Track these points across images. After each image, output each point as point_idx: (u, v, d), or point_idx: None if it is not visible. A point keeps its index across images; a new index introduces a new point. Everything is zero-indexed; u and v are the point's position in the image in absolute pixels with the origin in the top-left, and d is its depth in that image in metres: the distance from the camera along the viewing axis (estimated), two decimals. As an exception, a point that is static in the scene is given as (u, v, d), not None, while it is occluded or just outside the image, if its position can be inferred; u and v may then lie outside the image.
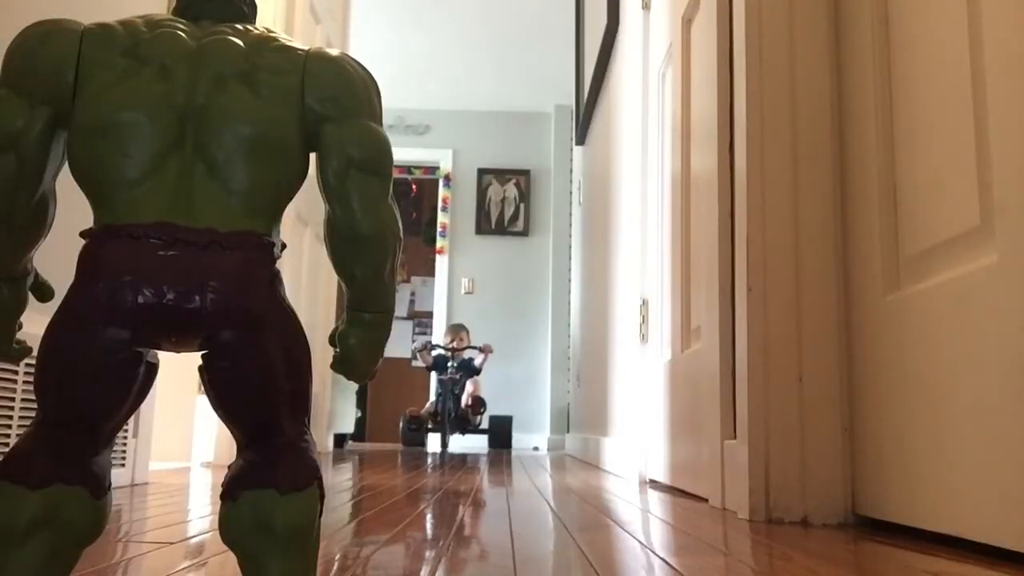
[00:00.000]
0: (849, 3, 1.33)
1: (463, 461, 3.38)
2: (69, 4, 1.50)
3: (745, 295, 1.34)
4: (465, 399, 5.50)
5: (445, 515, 1.33)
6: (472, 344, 5.68)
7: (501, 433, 5.47)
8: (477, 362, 5.62)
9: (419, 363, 5.82)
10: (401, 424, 5.43)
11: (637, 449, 2.30)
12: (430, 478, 2.26)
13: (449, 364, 5.49)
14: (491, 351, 5.66)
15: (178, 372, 2.33)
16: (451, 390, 5.34)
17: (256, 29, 0.48)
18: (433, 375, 5.59)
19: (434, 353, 5.59)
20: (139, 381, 0.43)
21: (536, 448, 5.65)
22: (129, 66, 0.44)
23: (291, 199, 0.46)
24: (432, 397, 5.58)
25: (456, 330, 5.75)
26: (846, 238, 1.31)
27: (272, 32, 0.48)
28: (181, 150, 0.44)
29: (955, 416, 0.98)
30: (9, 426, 1.33)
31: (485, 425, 5.53)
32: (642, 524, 1.25)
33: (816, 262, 1.32)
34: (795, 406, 1.28)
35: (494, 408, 5.72)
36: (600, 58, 3.35)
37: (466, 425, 5.43)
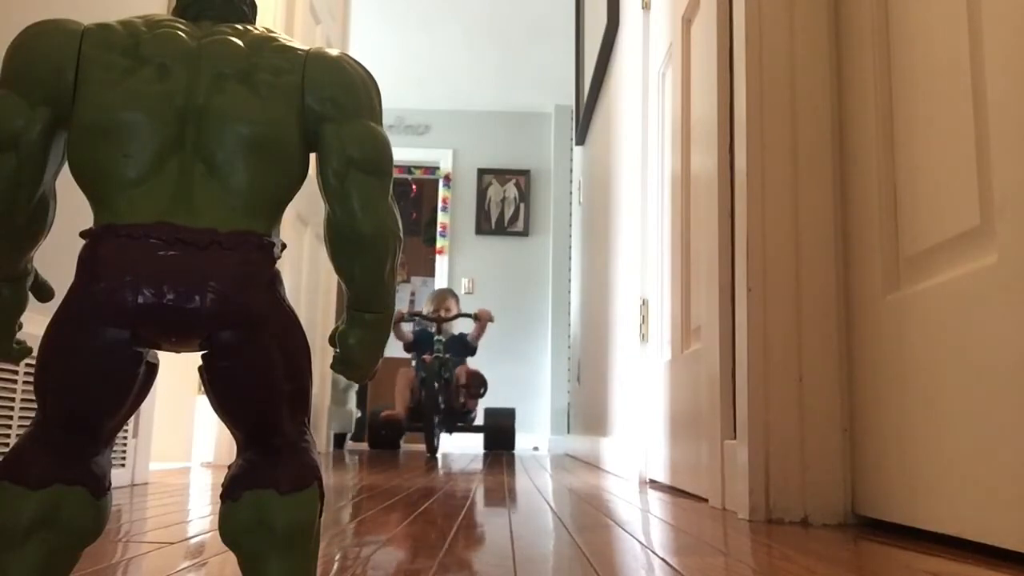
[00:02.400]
0: (849, 3, 1.33)
1: (456, 466, 3.33)
2: (69, 4, 1.50)
3: (745, 295, 1.34)
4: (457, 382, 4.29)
5: (445, 515, 1.33)
6: (464, 312, 4.41)
7: (501, 431, 4.32)
8: (471, 336, 4.41)
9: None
10: (368, 424, 4.33)
11: (637, 449, 2.30)
12: (430, 479, 2.26)
13: (436, 340, 4.25)
14: (490, 319, 4.38)
15: (178, 372, 2.33)
16: (438, 373, 4.10)
17: (256, 29, 0.48)
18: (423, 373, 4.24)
19: (413, 327, 4.47)
20: (139, 381, 0.43)
21: (536, 448, 5.64)
22: (129, 66, 0.44)
23: (291, 199, 0.46)
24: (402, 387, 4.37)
25: (443, 297, 4.46)
26: (846, 238, 1.31)
27: (272, 32, 0.48)
28: (181, 150, 0.43)
29: (955, 416, 0.98)
30: (9, 426, 1.33)
31: (481, 420, 4.44)
32: (642, 524, 1.24)
33: (816, 262, 1.32)
34: (795, 406, 1.28)
35: (491, 401, 4.73)
36: (600, 58, 3.35)
37: (458, 420, 4.29)
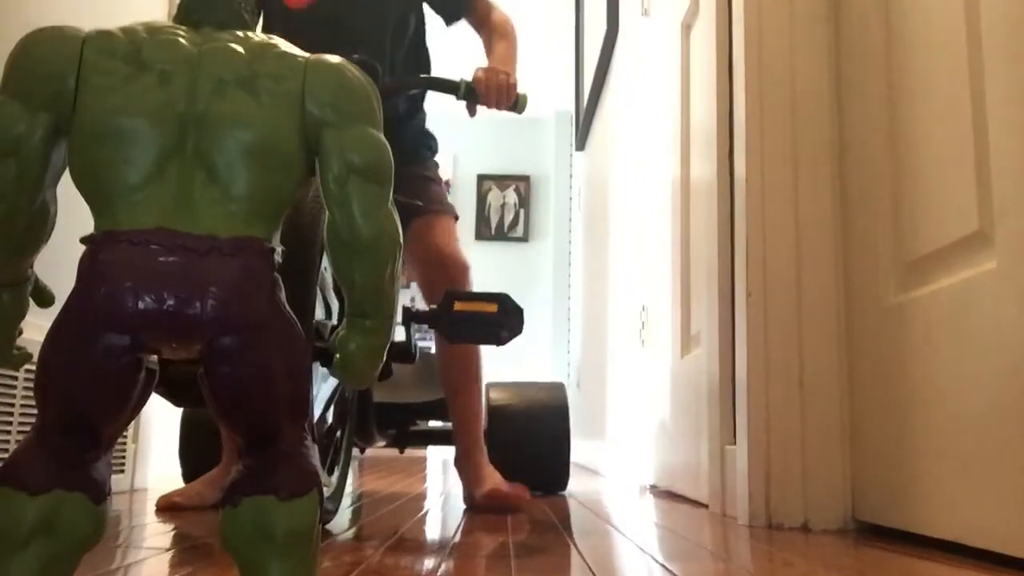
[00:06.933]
0: (849, 9, 1.34)
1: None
2: (71, 10, 1.51)
3: (745, 300, 1.34)
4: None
5: (445, 520, 1.33)
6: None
7: (537, 448, 1.82)
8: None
9: None
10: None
11: (637, 454, 2.30)
12: (430, 483, 2.26)
13: None
14: (510, 104, 1.54)
15: (178, 378, 2.33)
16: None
17: (257, 36, 0.48)
18: None
19: None
20: (139, 387, 0.43)
21: (536, 454, 5.61)
22: (130, 72, 0.44)
23: (291, 205, 0.46)
24: None
25: None
26: (846, 243, 1.31)
27: (272, 39, 0.48)
28: (182, 156, 0.44)
29: (955, 421, 0.98)
30: (9, 431, 1.33)
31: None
32: (642, 529, 1.24)
33: (816, 267, 1.32)
34: (795, 411, 1.28)
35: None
36: (600, 64, 3.36)
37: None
